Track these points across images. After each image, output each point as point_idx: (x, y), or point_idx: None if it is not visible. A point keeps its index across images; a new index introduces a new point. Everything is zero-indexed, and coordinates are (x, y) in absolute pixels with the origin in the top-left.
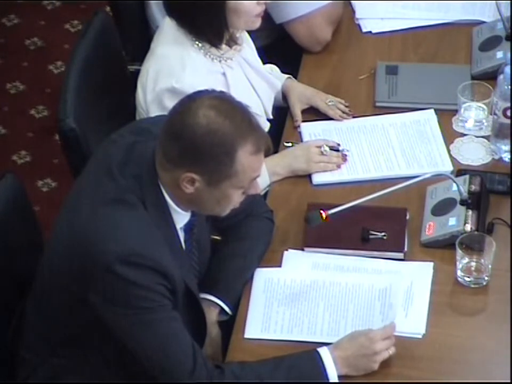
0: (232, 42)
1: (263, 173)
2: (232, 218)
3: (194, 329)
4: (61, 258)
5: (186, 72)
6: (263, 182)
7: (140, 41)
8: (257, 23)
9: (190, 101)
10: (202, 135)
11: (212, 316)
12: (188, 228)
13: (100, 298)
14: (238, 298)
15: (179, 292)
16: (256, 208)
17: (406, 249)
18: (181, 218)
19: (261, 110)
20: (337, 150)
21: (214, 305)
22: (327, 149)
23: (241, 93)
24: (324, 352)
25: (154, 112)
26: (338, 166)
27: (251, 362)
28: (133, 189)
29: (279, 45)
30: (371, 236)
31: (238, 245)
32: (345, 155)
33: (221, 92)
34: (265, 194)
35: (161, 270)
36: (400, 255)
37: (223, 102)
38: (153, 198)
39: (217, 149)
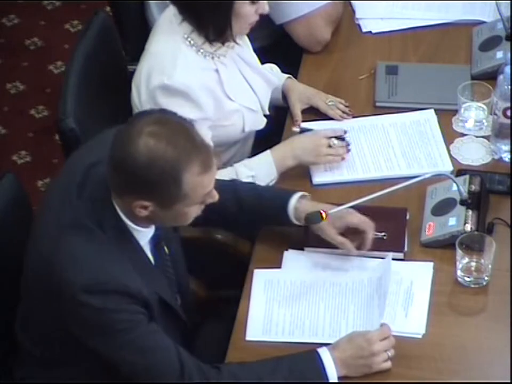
0: (226, 41)
1: (270, 165)
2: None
3: (174, 338)
4: (33, 285)
5: (177, 69)
6: (269, 174)
7: (140, 41)
8: (246, 31)
9: (130, 128)
10: (144, 165)
11: None
12: (154, 241)
13: (77, 328)
14: None
15: (153, 305)
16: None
17: (406, 249)
18: (143, 234)
19: (257, 106)
20: (343, 139)
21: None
22: (336, 141)
23: (235, 89)
24: (324, 352)
25: None
26: (343, 158)
27: (250, 363)
28: (90, 213)
29: (279, 45)
30: None
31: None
32: (348, 145)
33: (162, 112)
34: None
35: (127, 291)
36: (400, 255)
37: (163, 126)
38: (110, 221)
39: (161, 177)
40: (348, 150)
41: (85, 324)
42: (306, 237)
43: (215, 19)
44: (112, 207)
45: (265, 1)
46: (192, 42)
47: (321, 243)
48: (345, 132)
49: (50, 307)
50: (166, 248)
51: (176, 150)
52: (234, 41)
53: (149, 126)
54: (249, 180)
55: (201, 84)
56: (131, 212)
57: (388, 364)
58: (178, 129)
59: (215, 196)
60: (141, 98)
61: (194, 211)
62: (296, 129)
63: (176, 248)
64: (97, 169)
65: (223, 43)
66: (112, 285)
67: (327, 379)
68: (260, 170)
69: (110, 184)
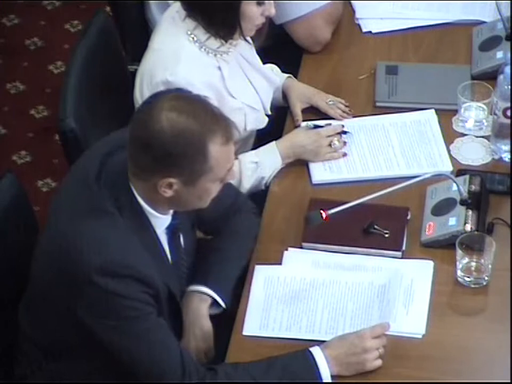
0: (230, 39)
1: (275, 155)
2: (220, 219)
3: (180, 335)
4: (45, 269)
5: (180, 65)
6: (274, 162)
7: (140, 41)
8: (251, 33)
9: (149, 107)
10: (171, 139)
11: (202, 309)
12: (170, 231)
13: (85, 311)
14: (230, 292)
15: (162, 298)
16: (243, 205)
17: (403, 248)
18: (160, 222)
19: (259, 106)
20: (345, 132)
21: (205, 297)
22: (336, 142)
23: (237, 87)
24: (316, 351)
25: None
26: (345, 154)
27: (244, 363)
28: (108, 198)
29: (279, 46)
30: (373, 230)
31: (228, 239)
32: (344, 134)
33: (177, 90)
34: (266, 192)
35: (142, 278)
36: (398, 254)
37: (182, 101)
38: (128, 205)
39: (188, 149)
40: (345, 143)
41: (94, 307)
42: (305, 233)
43: (224, 18)
44: (130, 191)
45: (272, 1)
46: (195, 38)
47: (320, 238)
48: (343, 127)
49: (60, 293)
50: (182, 241)
51: (198, 121)
52: (245, 39)
53: (167, 102)
54: (253, 166)
55: (204, 80)
56: (153, 194)
57: (379, 362)
58: (197, 102)
59: (234, 175)
60: (143, 94)
61: (215, 188)
62: (307, 124)
63: (191, 242)
64: (112, 158)
65: (225, 40)
66: (128, 270)
67: (320, 378)
68: (264, 158)
69: (134, 167)
